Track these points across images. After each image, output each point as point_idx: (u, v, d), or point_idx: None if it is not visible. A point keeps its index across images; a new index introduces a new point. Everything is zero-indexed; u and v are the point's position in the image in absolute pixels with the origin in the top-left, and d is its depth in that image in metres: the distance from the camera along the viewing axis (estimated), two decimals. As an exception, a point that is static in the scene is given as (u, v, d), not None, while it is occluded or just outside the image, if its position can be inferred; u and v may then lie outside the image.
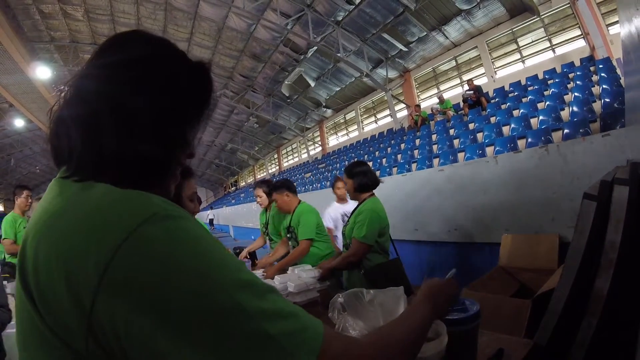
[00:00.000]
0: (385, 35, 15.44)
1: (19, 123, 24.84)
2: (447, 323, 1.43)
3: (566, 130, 6.67)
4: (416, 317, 0.96)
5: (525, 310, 3.00)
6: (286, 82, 19.24)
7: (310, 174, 20.08)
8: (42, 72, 16.74)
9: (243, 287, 0.58)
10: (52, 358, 0.59)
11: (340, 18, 15.20)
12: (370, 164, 12.06)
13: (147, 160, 0.72)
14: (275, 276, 3.25)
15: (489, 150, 8.01)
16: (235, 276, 0.59)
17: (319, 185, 14.75)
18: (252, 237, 15.39)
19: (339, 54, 15.63)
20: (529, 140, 7.10)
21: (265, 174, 35.13)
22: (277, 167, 33.35)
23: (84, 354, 0.56)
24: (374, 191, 3.57)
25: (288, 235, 4.25)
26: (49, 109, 0.76)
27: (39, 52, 18.25)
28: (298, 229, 4.04)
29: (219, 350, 0.53)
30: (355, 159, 12.43)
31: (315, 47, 16.67)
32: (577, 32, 12.48)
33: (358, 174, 3.46)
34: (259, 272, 3.61)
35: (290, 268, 3.52)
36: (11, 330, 2.29)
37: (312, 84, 19.72)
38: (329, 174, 16.22)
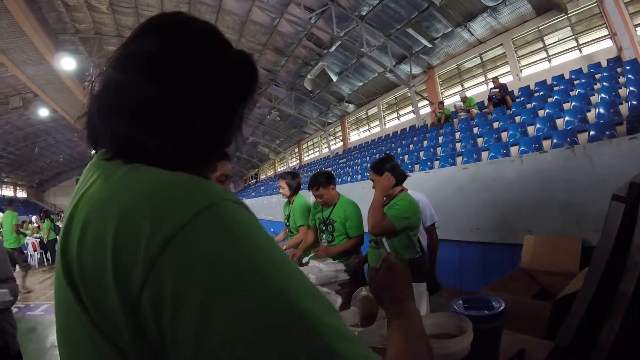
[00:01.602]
0: (410, 31, 15.33)
1: (43, 113, 25.29)
2: (473, 320, 1.44)
3: (592, 132, 6.58)
4: (415, 334, 0.94)
5: (545, 313, 2.99)
6: (309, 77, 19.23)
7: (330, 168, 20.07)
8: (67, 63, 17.08)
9: (307, 297, 0.51)
10: (95, 356, 0.55)
11: (364, 13, 15.14)
12: (392, 160, 12.05)
13: (192, 146, 0.69)
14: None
15: (513, 149, 7.94)
16: (300, 284, 0.52)
17: (340, 180, 14.74)
18: (272, 230, 15.46)
19: (362, 49, 15.54)
20: (554, 141, 7.01)
21: (285, 167, 35.16)
22: (298, 161, 33.31)
23: (130, 349, 0.51)
24: None
25: (323, 228, 4.16)
26: (87, 88, 0.74)
27: (64, 44, 18.49)
28: (346, 224, 4.00)
29: None
30: (378, 156, 12.42)
31: (338, 42, 16.60)
32: (604, 32, 12.23)
33: (387, 170, 3.39)
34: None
35: (311, 261, 3.55)
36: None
37: (335, 78, 19.69)
38: (350, 169, 16.20)
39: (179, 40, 0.73)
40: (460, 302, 1.73)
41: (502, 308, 1.59)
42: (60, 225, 12.84)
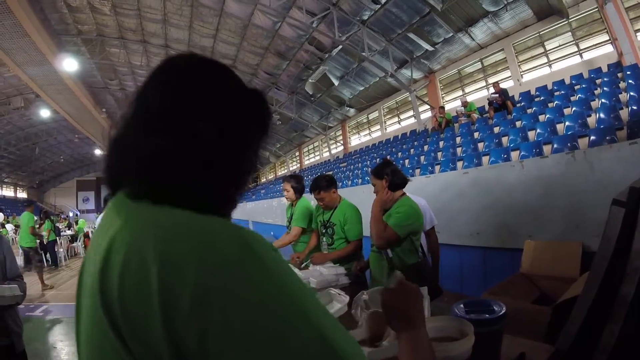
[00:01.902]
0: (411, 36, 15.36)
1: (44, 113, 25.35)
2: (475, 324, 1.45)
3: (592, 137, 6.60)
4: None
5: (545, 318, 2.99)
6: (310, 81, 19.26)
7: (331, 172, 20.06)
8: (69, 64, 17.16)
9: (338, 332, 0.57)
10: None
11: (365, 17, 15.16)
12: (393, 164, 12.03)
13: (219, 188, 0.74)
14: (299, 271, 3.27)
15: (514, 154, 7.94)
16: (329, 320, 0.58)
17: (340, 184, 14.70)
18: (272, 233, 15.48)
19: (363, 54, 15.56)
20: (555, 146, 7.00)
21: (286, 171, 35.21)
22: (298, 165, 33.35)
23: None
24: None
25: (323, 231, 4.18)
26: (108, 127, 0.76)
27: (66, 45, 18.56)
28: (345, 227, 3.99)
29: None
30: (378, 160, 12.42)
31: (340, 46, 16.64)
32: (605, 37, 12.21)
33: (387, 175, 3.39)
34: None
35: (311, 267, 3.55)
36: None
37: (336, 82, 19.73)
38: (351, 173, 16.20)
39: (193, 74, 0.76)
40: (462, 305, 1.74)
41: (502, 312, 1.60)
42: (60, 227, 12.94)
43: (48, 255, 14.22)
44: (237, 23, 17.44)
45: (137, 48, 20.39)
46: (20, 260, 13.16)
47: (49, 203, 47.90)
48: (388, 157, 14.73)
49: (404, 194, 3.49)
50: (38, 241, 14.17)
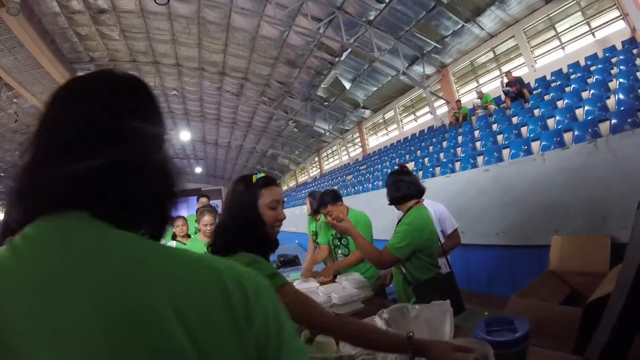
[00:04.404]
0: (418, 32, 15.31)
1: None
2: (496, 345, 1.42)
3: (614, 121, 6.41)
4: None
5: (576, 319, 2.93)
6: (322, 86, 19.26)
7: (351, 176, 19.98)
8: (85, 91, 17.37)
9: None
10: None
11: (371, 17, 15.15)
12: (412, 164, 11.94)
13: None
14: (320, 286, 3.28)
15: (535, 145, 7.76)
16: None
17: (360, 187, 14.59)
18: (296, 241, 15.51)
19: (373, 54, 15.55)
20: (576, 133, 6.83)
21: (306, 177, 35.29)
22: (319, 171, 33.34)
23: None
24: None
25: (338, 243, 4.24)
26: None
27: (80, 72, 18.76)
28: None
29: None
30: (397, 160, 12.33)
31: (349, 49, 16.63)
32: (616, 13, 11.91)
33: (388, 186, 3.29)
34: (312, 284, 3.59)
35: (338, 277, 3.55)
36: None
37: (348, 85, 19.77)
38: (371, 176, 16.13)
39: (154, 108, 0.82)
40: (483, 324, 1.70)
41: (525, 331, 1.57)
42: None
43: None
44: (245, 36, 17.55)
45: (150, 69, 20.62)
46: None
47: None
48: (399, 163, 14.68)
49: (418, 202, 3.25)
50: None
